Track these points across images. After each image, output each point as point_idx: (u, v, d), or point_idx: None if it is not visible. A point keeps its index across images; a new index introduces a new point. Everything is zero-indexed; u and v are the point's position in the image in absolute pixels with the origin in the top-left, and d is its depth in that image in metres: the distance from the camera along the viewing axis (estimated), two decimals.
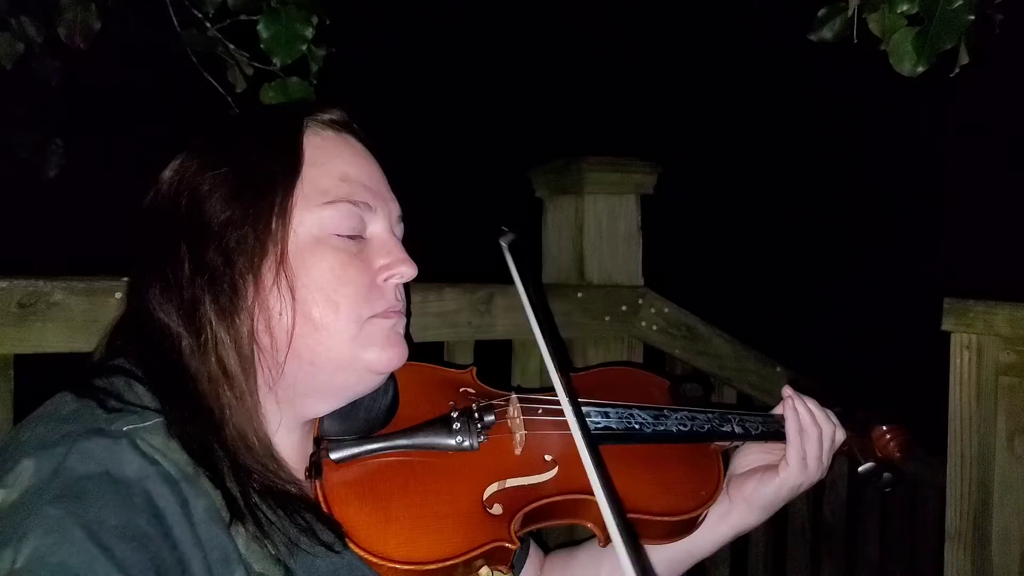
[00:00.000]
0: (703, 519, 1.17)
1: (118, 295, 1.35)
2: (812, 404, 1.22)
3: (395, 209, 1.06)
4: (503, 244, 1.10)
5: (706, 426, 1.21)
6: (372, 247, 1.01)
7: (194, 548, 0.80)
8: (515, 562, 1.18)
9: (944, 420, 1.73)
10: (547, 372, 1.12)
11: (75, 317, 1.34)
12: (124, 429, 0.82)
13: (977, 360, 1.67)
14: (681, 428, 1.19)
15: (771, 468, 1.21)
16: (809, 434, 1.19)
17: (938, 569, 1.75)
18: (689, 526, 1.15)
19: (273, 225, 0.94)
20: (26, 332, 1.31)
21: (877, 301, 6.74)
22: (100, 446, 0.79)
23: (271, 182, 0.95)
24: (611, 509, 0.84)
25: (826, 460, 1.22)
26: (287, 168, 0.97)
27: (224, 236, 0.93)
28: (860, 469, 1.27)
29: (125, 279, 1.35)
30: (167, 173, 0.99)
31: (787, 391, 1.23)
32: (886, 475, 1.27)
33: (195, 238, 0.94)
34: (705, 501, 1.15)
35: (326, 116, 1.04)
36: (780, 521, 2.44)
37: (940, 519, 1.77)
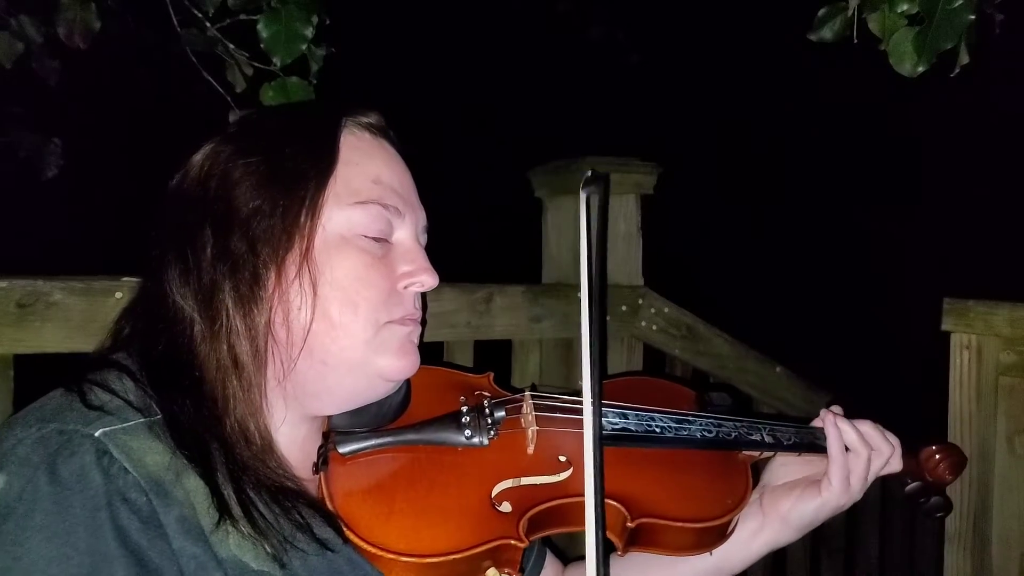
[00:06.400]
0: (732, 529, 1.13)
1: (117, 295, 1.35)
2: (866, 425, 1.18)
3: (422, 219, 1.06)
4: (583, 195, 0.95)
5: (733, 434, 1.16)
6: (396, 253, 1.01)
7: (166, 561, 0.79)
8: (528, 570, 1.16)
9: (944, 420, 1.73)
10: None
11: (73, 317, 1.33)
12: (97, 434, 0.80)
13: (977, 360, 1.67)
14: (706, 434, 1.15)
15: (812, 485, 1.15)
16: (859, 454, 1.14)
17: (938, 570, 1.75)
18: (716, 535, 1.10)
19: (302, 218, 0.93)
20: (25, 332, 1.31)
21: (877, 301, 6.74)
22: (71, 466, 0.78)
23: (305, 175, 0.95)
24: (594, 505, 0.81)
25: (870, 480, 1.16)
26: (322, 163, 0.96)
27: (251, 224, 0.92)
28: (907, 489, 1.23)
29: (125, 279, 1.36)
30: (198, 157, 0.98)
31: (825, 412, 1.18)
32: (935, 499, 1.23)
33: (221, 223, 0.93)
34: (731, 509, 1.10)
35: (364, 119, 1.04)
36: None
37: (940, 519, 1.77)
